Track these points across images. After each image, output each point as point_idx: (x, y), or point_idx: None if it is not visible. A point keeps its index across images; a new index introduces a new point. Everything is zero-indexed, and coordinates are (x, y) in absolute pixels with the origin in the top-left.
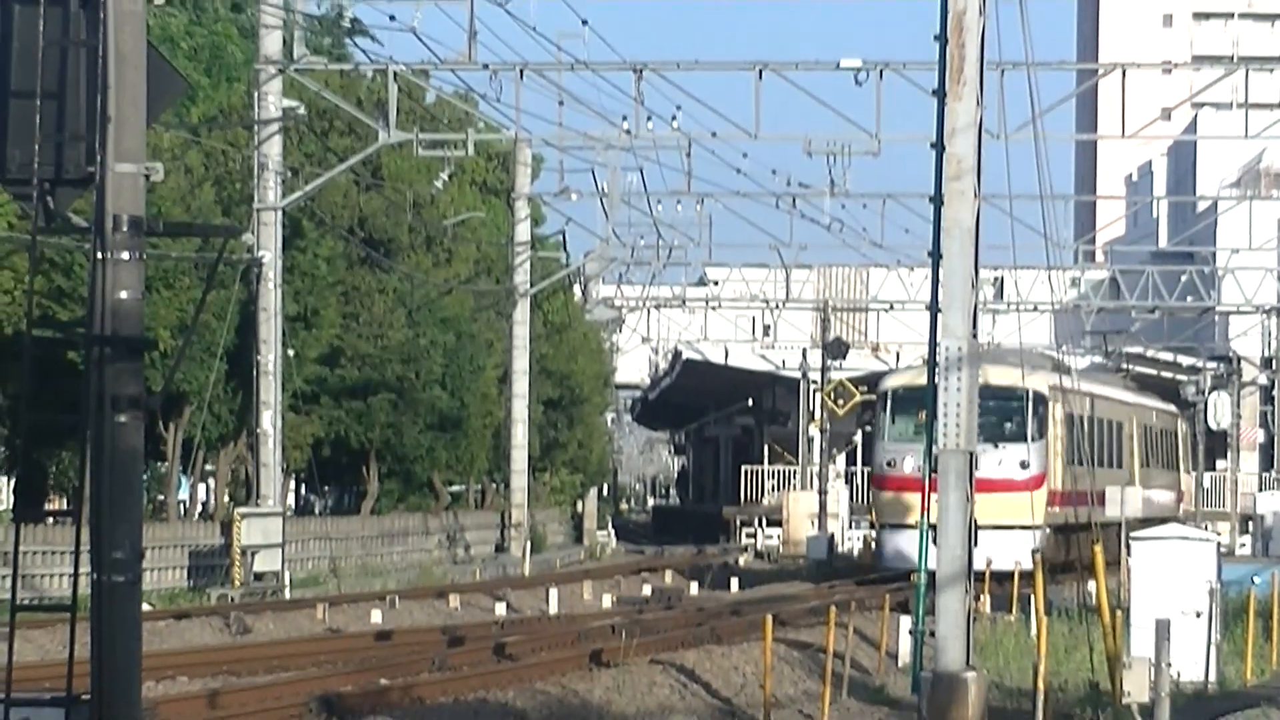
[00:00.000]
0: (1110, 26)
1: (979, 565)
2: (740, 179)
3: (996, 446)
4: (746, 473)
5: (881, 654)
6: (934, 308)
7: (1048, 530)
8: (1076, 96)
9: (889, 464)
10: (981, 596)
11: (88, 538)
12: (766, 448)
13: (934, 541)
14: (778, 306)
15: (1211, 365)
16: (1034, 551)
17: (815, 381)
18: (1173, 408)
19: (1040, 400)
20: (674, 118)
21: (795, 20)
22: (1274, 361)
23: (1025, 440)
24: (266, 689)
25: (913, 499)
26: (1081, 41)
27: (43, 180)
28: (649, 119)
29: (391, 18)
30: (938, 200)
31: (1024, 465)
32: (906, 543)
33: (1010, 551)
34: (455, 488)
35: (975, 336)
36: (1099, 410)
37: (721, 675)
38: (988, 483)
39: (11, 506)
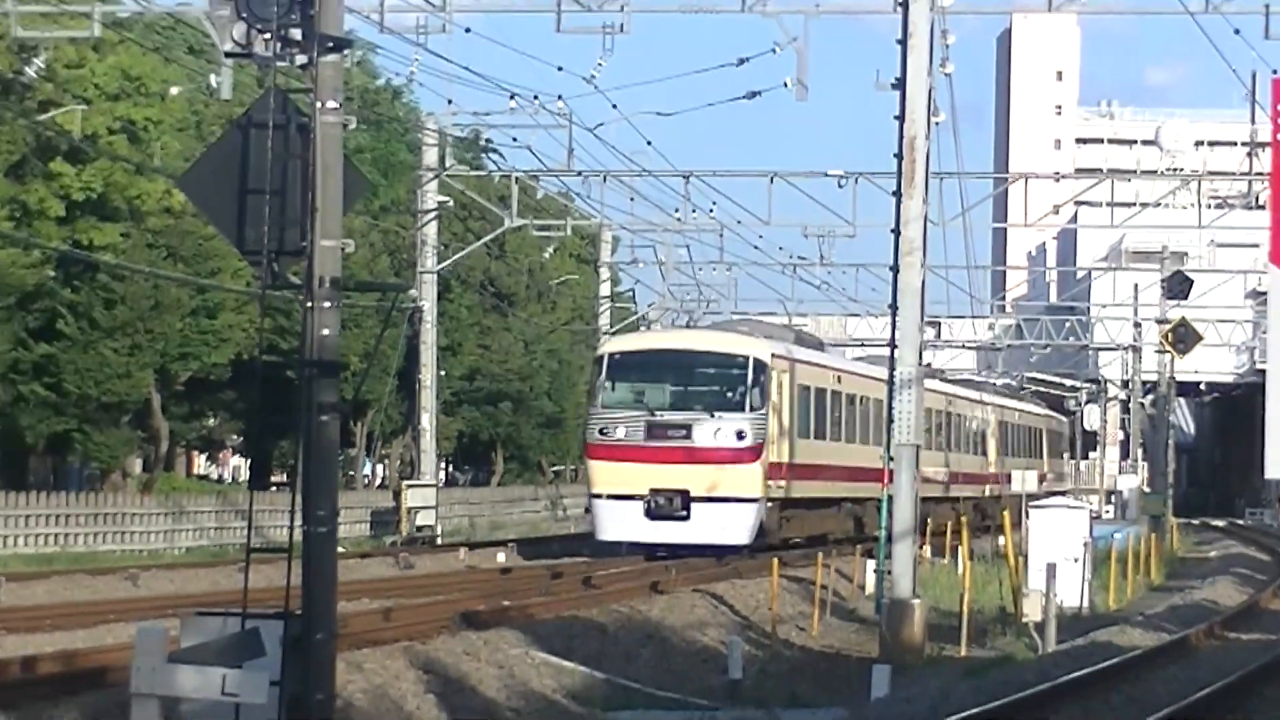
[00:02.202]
0: (1017, 147)
1: (693, 539)
2: (757, 253)
3: (713, 416)
4: None
5: (854, 586)
6: (892, 344)
7: (769, 504)
8: (993, 197)
9: (602, 431)
10: (924, 546)
11: (301, 502)
12: None
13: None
14: None
15: (1086, 385)
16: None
17: None
18: (1056, 414)
19: (760, 368)
20: (711, 209)
21: (798, 138)
22: (1129, 383)
23: (743, 410)
24: (424, 607)
25: (630, 470)
26: (997, 157)
27: (270, 251)
28: (693, 210)
29: (514, 139)
30: (895, 269)
31: (740, 436)
32: (623, 514)
33: (727, 525)
34: (557, 468)
35: (920, 364)
36: (850, 386)
37: (742, 600)
38: (702, 453)
39: (248, 479)
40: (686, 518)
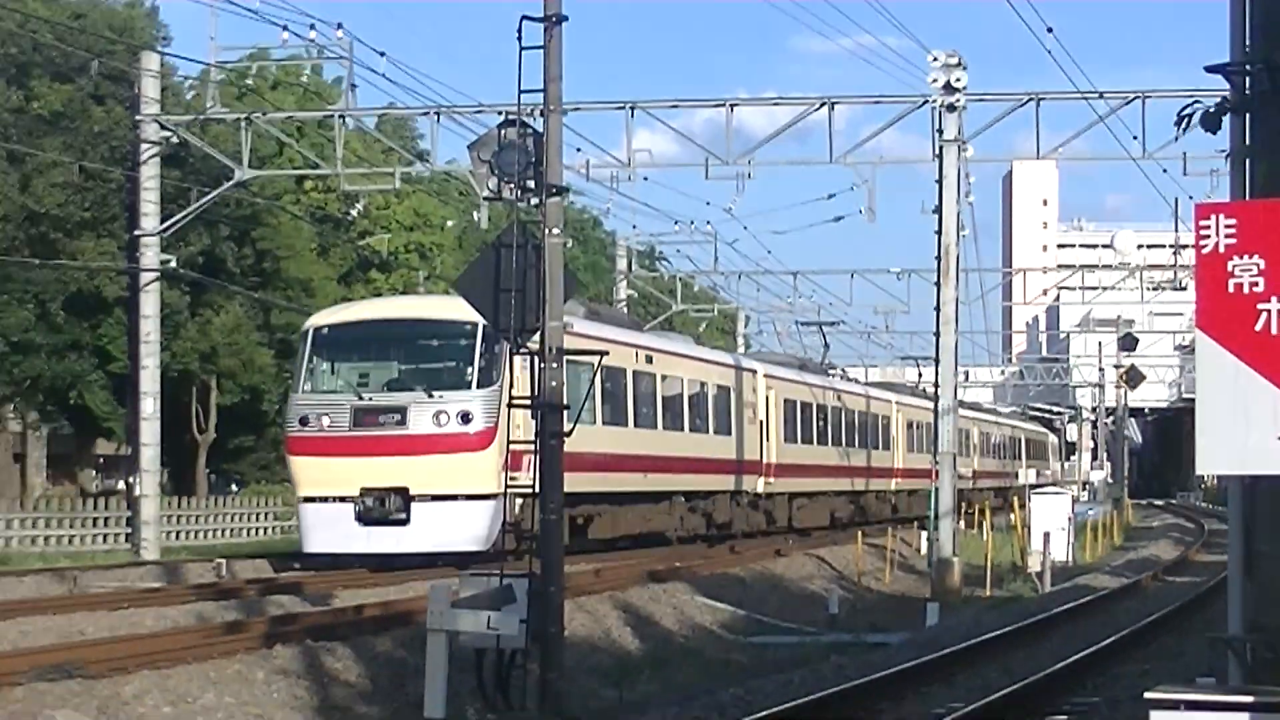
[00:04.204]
0: (1017, 250)
1: (416, 546)
2: (843, 325)
3: (431, 396)
4: None
5: (914, 548)
6: (936, 385)
7: (519, 502)
8: (1001, 285)
9: (303, 421)
10: (961, 521)
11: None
12: None
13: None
14: None
15: (1068, 410)
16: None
17: None
18: (1048, 430)
19: (490, 336)
20: (812, 295)
21: (868, 245)
22: (1096, 409)
23: (469, 387)
24: (620, 568)
25: (337, 466)
26: (1003, 257)
27: (516, 330)
28: (799, 296)
29: (678, 250)
30: (937, 334)
31: (466, 419)
32: (332, 520)
33: (456, 528)
34: None
35: (955, 399)
36: (673, 368)
37: (837, 559)
38: (421, 441)
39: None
40: (406, 521)
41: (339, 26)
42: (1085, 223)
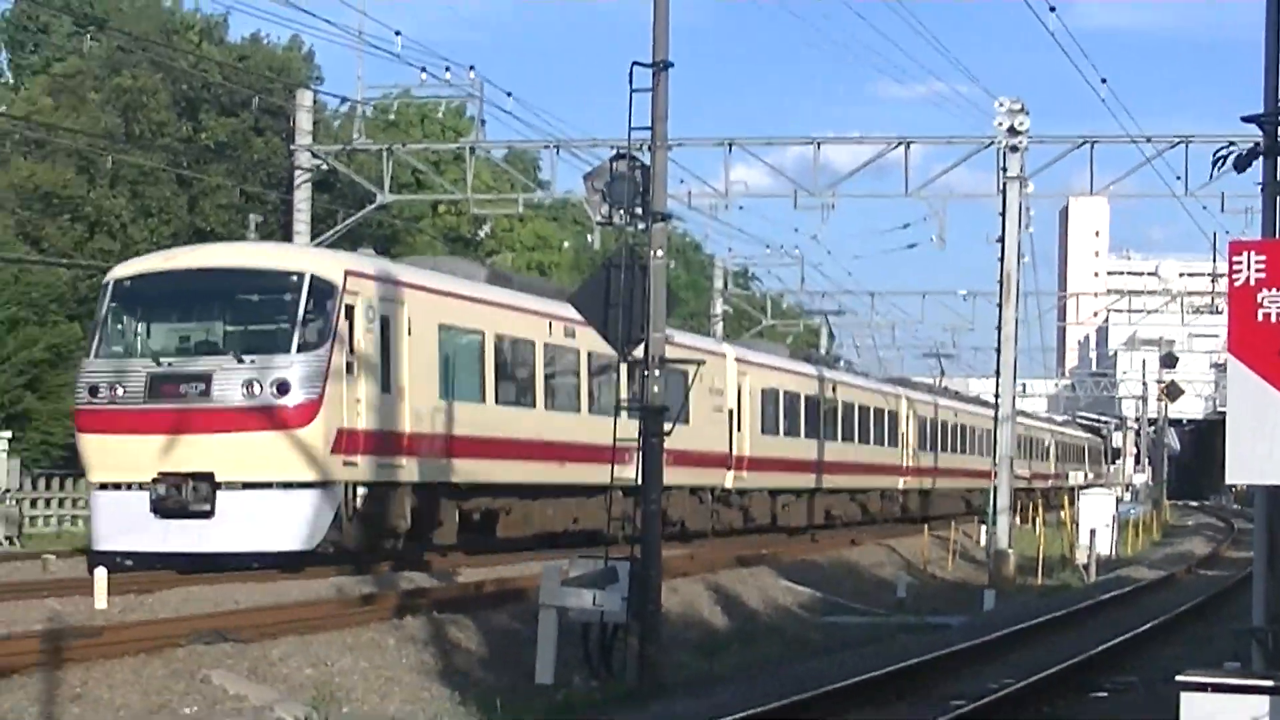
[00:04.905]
0: (1072, 276)
1: (222, 545)
2: (915, 340)
3: (242, 360)
4: None
5: (974, 540)
6: (997, 396)
7: (360, 491)
8: (1056, 307)
9: (93, 392)
10: (1016, 516)
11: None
12: None
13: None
14: None
15: (1114, 419)
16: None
17: None
18: (1096, 437)
19: (322, 291)
20: (888, 314)
21: (939, 270)
22: (1139, 419)
23: (288, 350)
24: (712, 553)
25: (130, 446)
26: (1059, 282)
27: (624, 340)
28: (877, 315)
29: (769, 271)
30: (998, 350)
31: (282, 389)
32: (124, 511)
33: (270, 523)
34: None
35: (1014, 409)
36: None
37: (906, 549)
38: (229, 416)
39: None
40: (210, 514)
41: (471, 68)
42: (1133, 253)
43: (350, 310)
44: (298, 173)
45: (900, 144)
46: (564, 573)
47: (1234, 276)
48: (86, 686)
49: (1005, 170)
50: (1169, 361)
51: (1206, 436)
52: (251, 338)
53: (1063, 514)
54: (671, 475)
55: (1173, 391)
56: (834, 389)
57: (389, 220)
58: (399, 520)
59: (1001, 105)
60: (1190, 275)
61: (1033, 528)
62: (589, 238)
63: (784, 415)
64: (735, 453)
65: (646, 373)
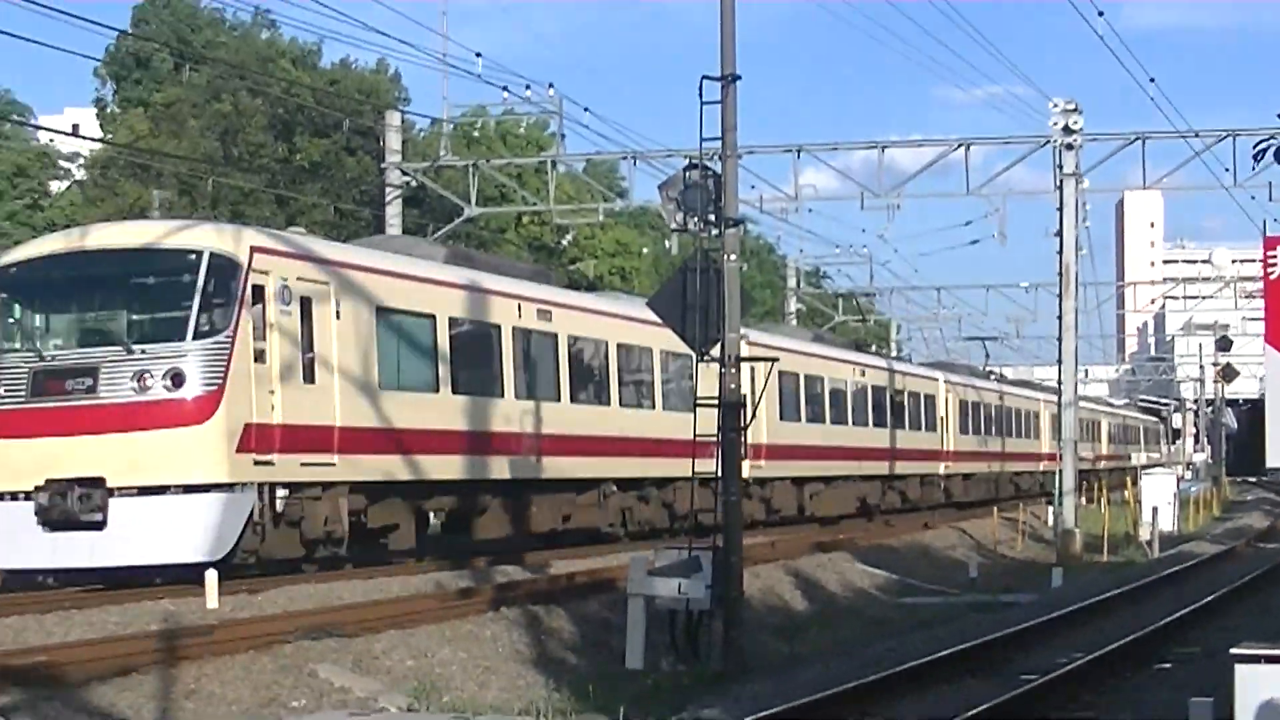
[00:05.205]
0: (1128, 265)
1: (115, 559)
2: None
3: (132, 352)
4: None
5: (1042, 521)
6: (1059, 383)
7: (280, 493)
8: (1115, 295)
9: None
10: (1082, 496)
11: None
12: None
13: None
14: None
15: (1174, 401)
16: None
17: None
18: (1157, 418)
19: (224, 270)
20: (954, 307)
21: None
22: (1197, 400)
23: (183, 337)
24: (792, 541)
25: (14, 450)
26: (1117, 271)
27: (701, 341)
28: (943, 308)
29: (838, 270)
30: (1059, 339)
31: (177, 381)
32: (9, 524)
33: (166, 532)
34: None
35: (1076, 394)
36: (586, 327)
37: (977, 531)
38: (119, 413)
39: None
40: (102, 524)
41: (550, 86)
42: (1187, 241)
43: (260, 291)
44: (388, 189)
45: (961, 145)
46: (650, 563)
47: (1269, 270)
48: (200, 683)
49: (1061, 168)
50: (1224, 344)
51: (1262, 415)
52: (144, 326)
53: (1126, 493)
54: (680, 466)
55: (1228, 373)
56: (863, 372)
57: (476, 232)
58: (335, 524)
59: (1056, 106)
60: (1242, 261)
61: (1098, 507)
62: (666, 243)
63: (806, 400)
64: (751, 440)
65: (724, 370)
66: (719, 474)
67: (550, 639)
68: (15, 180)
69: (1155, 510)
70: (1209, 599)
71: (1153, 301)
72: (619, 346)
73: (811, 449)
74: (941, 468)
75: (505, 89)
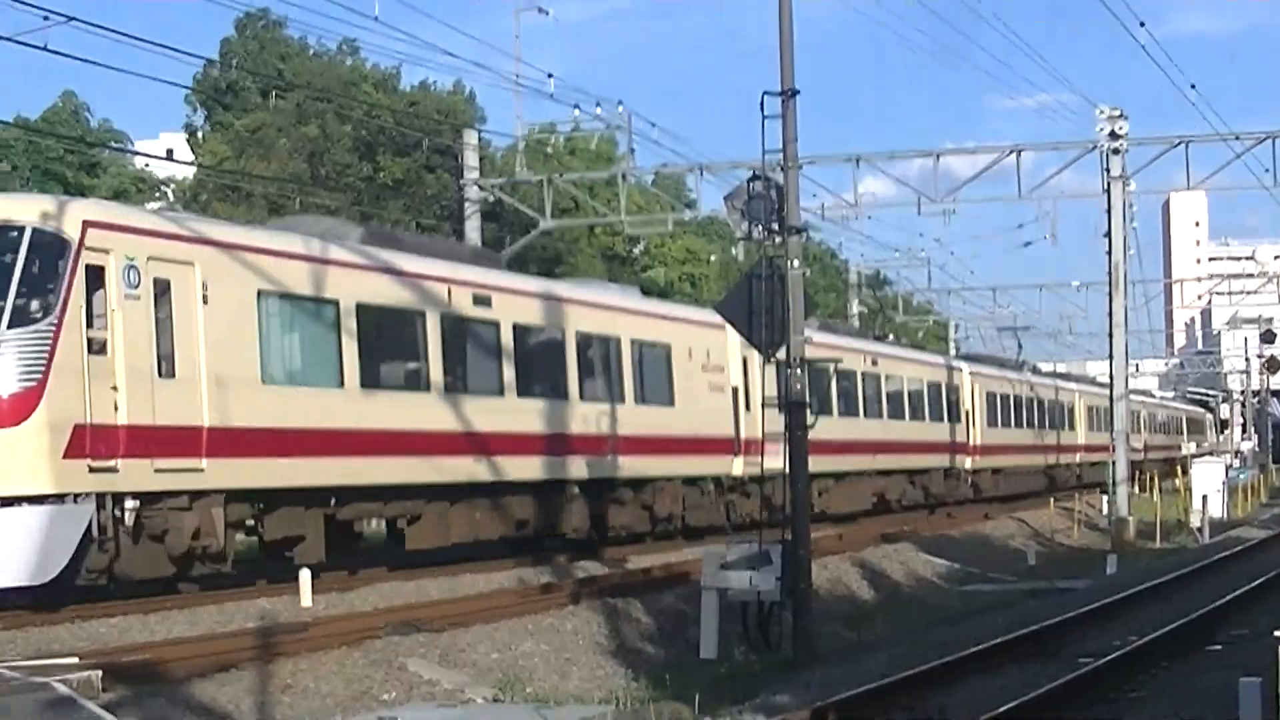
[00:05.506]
0: (1176, 263)
1: None
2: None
3: None
4: None
5: (1097, 510)
6: (1111, 377)
7: (129, 504)
8: (1163, 291)
9: None
10: (1134, 485)
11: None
12: None
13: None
14: None
15: (1221, 393)
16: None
17: None
18: (1205, 409)
19: (48, 247)
20: (1009, 307)
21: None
22: (1244, 391)
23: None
24: (858, 533)
25: None
26: (1164, 269)
27: (767, 344)
28: (998, 307)
29: (897, 274)
30: (1110, 334)
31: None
32: None
33: None
34: None
35: (1127, 388)
36: (518, 311)
37: (1034, 520)
38: None
39: None
40: None
41: (619, 103)
42: (1231, 239)
43: (98, 273)
44: (467, 204)
45: (1012, 152)
46: (723, 557)
47: None
48: (295, 677)
49: (1109, 172)
50: (1268, 338)
51: None
52: None
53: (1176, 482)
54: (663, 465)
55: (1273, 365)
56: (874, 362)
57: (552, 244)
58: (207, 537)
59: (1102, 113)
60: None
61: (1150, 495)
62: (733, 250)
63: (809, 392)
64: (744, 436)
65: (789, 371)
66: (787, 470)
67: (627, 631)
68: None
69: (1205, 498)
70: (1258, 581)
71: (1199, 297)
72: (579, 335)
73: (818, 443)
74: (967, 462)
75: (576, 107)
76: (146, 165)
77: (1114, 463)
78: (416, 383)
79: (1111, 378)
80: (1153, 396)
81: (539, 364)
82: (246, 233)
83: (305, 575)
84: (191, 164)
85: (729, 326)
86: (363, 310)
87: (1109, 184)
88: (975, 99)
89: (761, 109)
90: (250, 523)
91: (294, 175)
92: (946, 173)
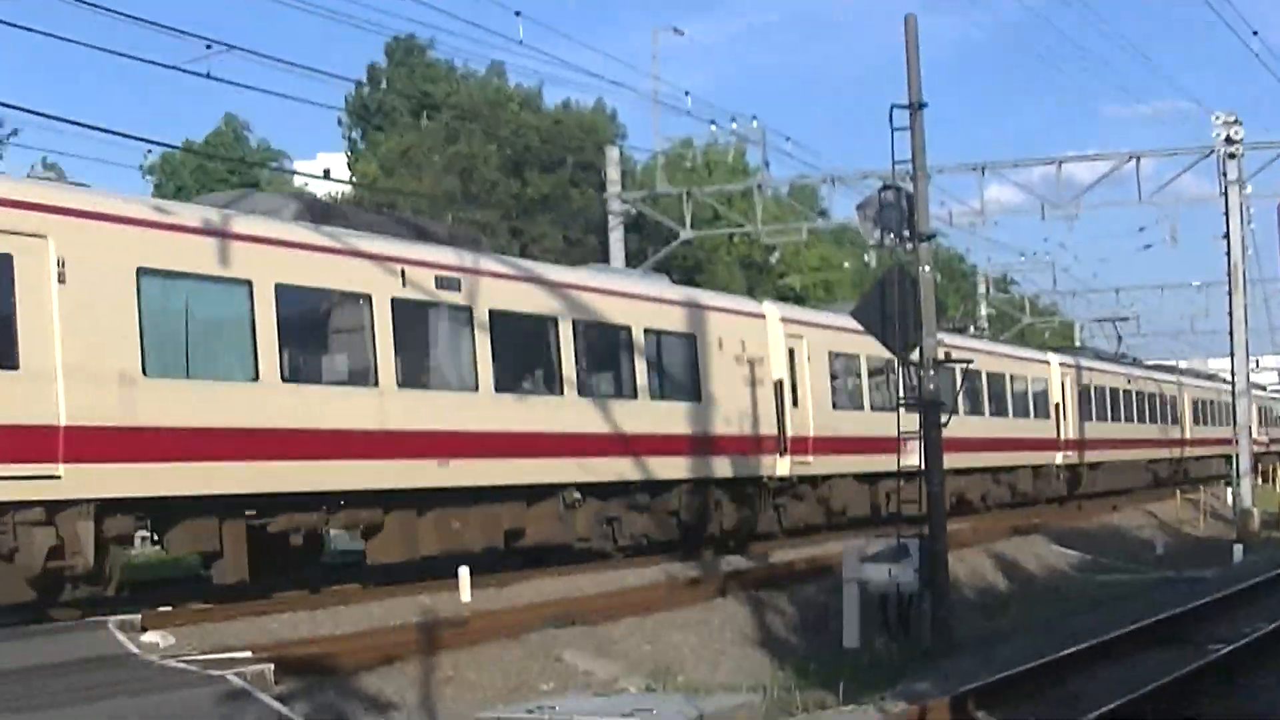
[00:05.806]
0: None
1: None
2: (1151, 328)
3: None
4: None
5: (1223, 501)
6: (1233, 373)
7: (96, 523)
8: None
9: None
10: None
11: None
12: None
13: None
14: None
15: None
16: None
17: None
18: None
19: None
20: (1133, 305)
21: (1171, 264)
22: None
23: None
24: (992, 526)
25: None
26: None
27: (901, 346)
28: (1131, 307)
29: (1024, 277)
30: (1230, 332)
31: None
32: None
33: None
34: None
35: (1249, 382)
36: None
37: (1161, 512)
38: None
39: None
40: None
41: (754, 118)
42: None
43: None
44: (610, 217)
45: (1131, 158)
46: (863, 551)
47: None
48: (456, 670)
49: (1225, 176)
50: None
51: None
52: None
53: None
54: (679, 466)
55: None
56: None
57: (692, 254)
58: (72, 555)
59: (1218, 119)
60: None
61: (1273, 487)
62: (866, 257)
63: (871, 386)
64: (792, 434)
65: (923, 373)
66: (923, 468)
67: (773, 622)
68: None
69: None
70: None
71: None
72: (575, 325)
73: (873, 440)
74: (1058, 457)
75: (713, 122)
76: (306, 185)
77: (1237, 455)
78: (359, 376)
79: (1233, 374)
80: (1271, 392)
81: (523, 356)
82: (123, 203)
83: (464, 572)
84: (347, 182)
85: (772, 312)
86: (284, 292)
87: (1226, 188)
88: (1093, 108)
89: (890, 121)
90: (152, 537)
91: (446, 192)
92: (1068, 179)
